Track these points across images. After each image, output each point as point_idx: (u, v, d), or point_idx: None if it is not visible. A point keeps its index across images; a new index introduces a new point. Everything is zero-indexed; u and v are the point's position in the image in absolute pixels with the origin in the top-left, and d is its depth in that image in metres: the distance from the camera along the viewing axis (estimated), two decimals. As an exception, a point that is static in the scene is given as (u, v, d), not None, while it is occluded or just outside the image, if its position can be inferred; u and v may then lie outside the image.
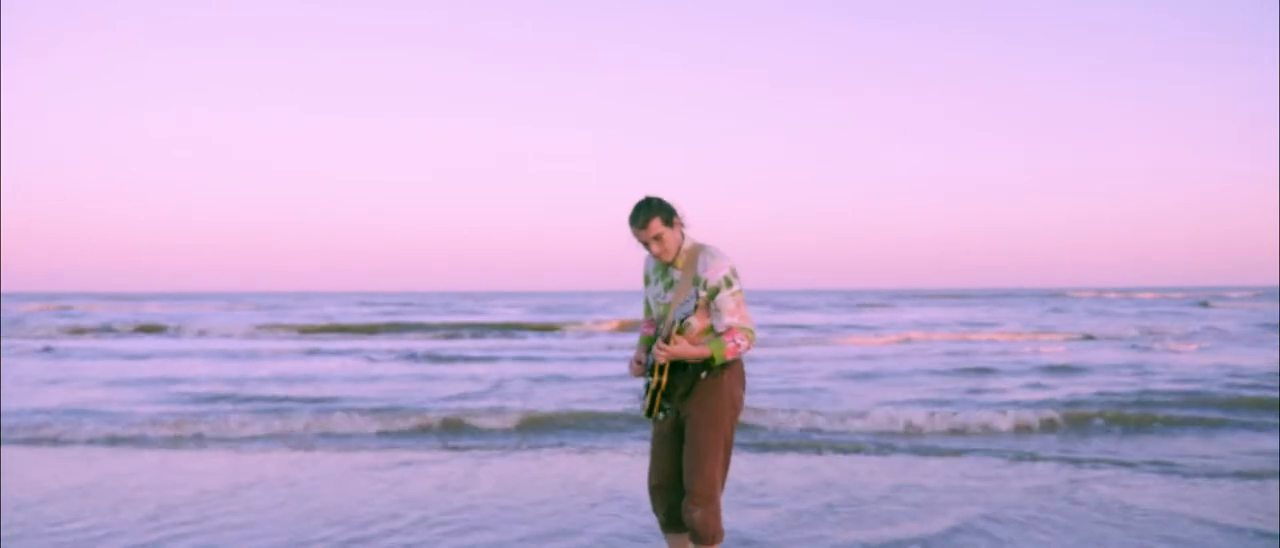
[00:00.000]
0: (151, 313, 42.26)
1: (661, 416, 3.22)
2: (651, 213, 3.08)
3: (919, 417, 8.89)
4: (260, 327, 28.72)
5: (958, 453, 7.43)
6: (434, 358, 17.76)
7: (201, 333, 26.83)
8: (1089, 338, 23.68)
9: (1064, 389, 11.81)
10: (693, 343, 3.10)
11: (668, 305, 3.19)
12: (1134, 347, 20.27)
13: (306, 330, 28.33)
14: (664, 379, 3.14)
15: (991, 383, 12.76)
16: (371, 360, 17.20)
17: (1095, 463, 6.95)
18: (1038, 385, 12.45)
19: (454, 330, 27.96)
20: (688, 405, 3.18)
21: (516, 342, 23.72)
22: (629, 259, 3.30)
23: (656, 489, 3.32)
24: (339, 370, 15.12)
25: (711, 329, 3.14)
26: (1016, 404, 10.08)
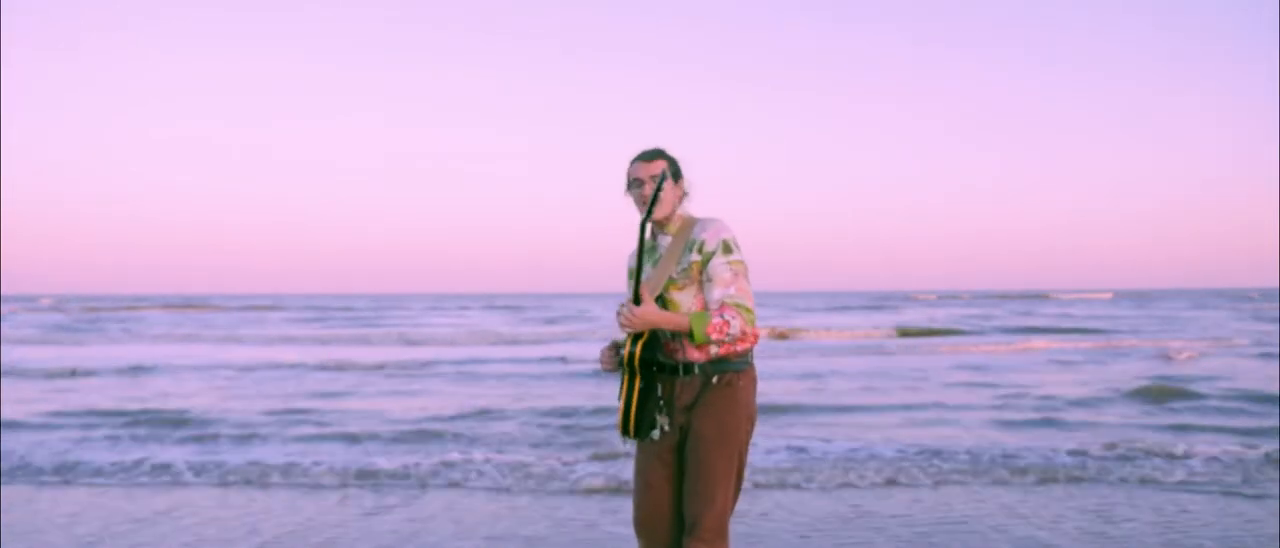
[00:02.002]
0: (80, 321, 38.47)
1: (655, 434, 2.60)
2: (661, 155, 2.65)
3: None
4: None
5: None
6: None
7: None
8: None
9: None
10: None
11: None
12: None
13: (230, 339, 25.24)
14: (637, 384, 2.53)
15: None
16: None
17: None
18: None
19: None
20: (692, 418, 2.58)
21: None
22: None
23: (648, 525, 2.67)
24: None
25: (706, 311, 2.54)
26: None
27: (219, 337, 26.90)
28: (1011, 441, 7.86)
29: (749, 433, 2.63)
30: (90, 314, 45.02)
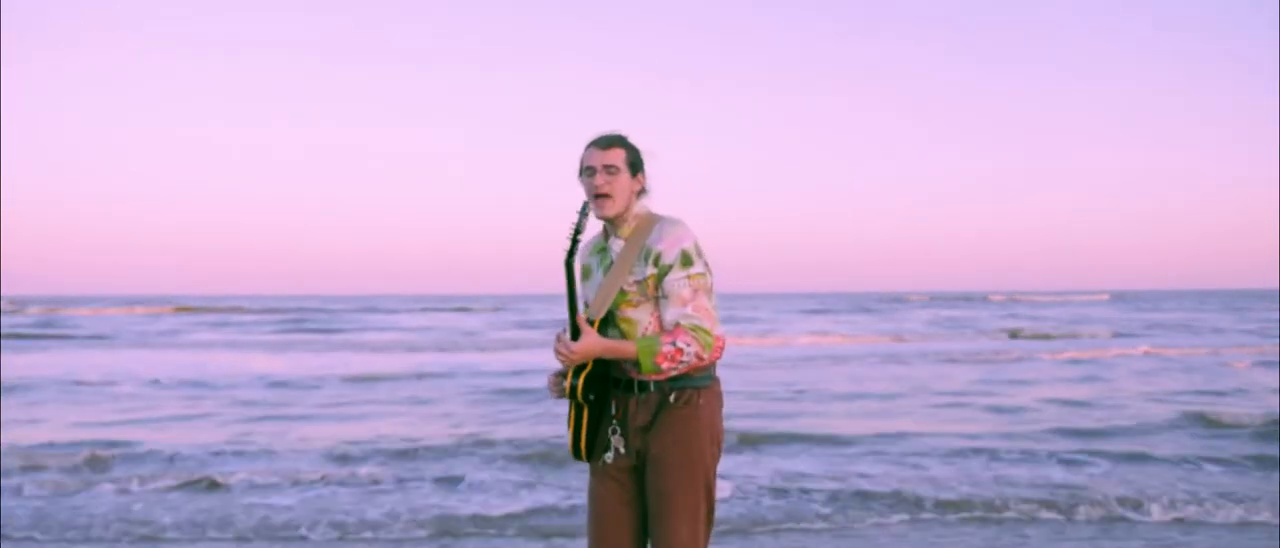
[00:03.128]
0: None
1: (608, 456, 2.42)
2: (621, 143, 2.42)
3: None
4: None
5: None
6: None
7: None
8: None
9: None
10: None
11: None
12: None
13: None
14: (585, 409, 2.37)
15: None
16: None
17: None
18: None
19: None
20: (650, 441, 2.38)
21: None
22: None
23: None
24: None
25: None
26: None
27: (156, 345, 25.48)
28: (1017, 471, 7.01)
29: (716, 457, 2.44)
30: (48, 314, 43.96)
